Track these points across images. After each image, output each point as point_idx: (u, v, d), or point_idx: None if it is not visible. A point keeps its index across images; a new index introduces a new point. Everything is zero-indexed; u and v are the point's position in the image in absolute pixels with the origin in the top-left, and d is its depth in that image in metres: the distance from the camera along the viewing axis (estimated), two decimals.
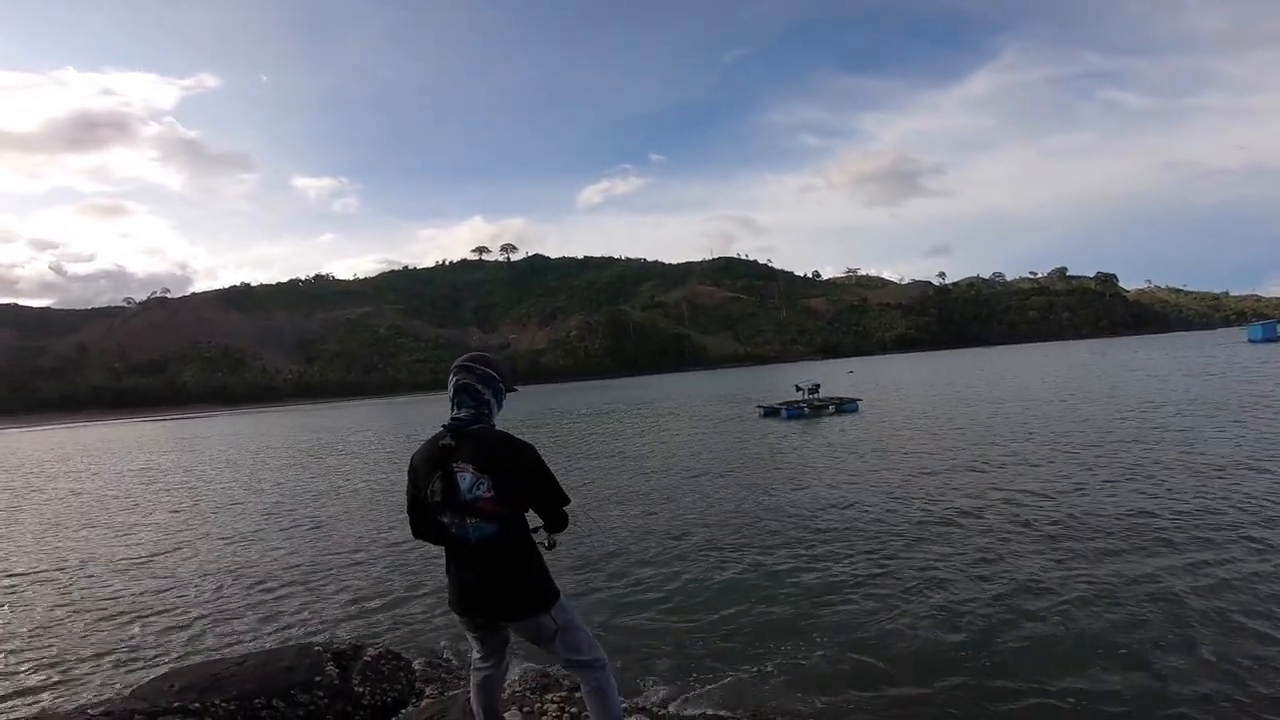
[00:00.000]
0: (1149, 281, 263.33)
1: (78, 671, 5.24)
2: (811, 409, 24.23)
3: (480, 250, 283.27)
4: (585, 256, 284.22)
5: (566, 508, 2.57)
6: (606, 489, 12.14)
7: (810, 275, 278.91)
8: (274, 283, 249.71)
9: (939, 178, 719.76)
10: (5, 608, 7.35)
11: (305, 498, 13.99)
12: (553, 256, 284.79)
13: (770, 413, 25.14)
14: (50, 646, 5.82)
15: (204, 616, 6.49)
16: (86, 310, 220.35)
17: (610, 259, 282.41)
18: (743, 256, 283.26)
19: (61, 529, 12.42)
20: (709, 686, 4.43)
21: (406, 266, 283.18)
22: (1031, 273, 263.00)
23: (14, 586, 8.28)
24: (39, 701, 4.67)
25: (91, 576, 8.53)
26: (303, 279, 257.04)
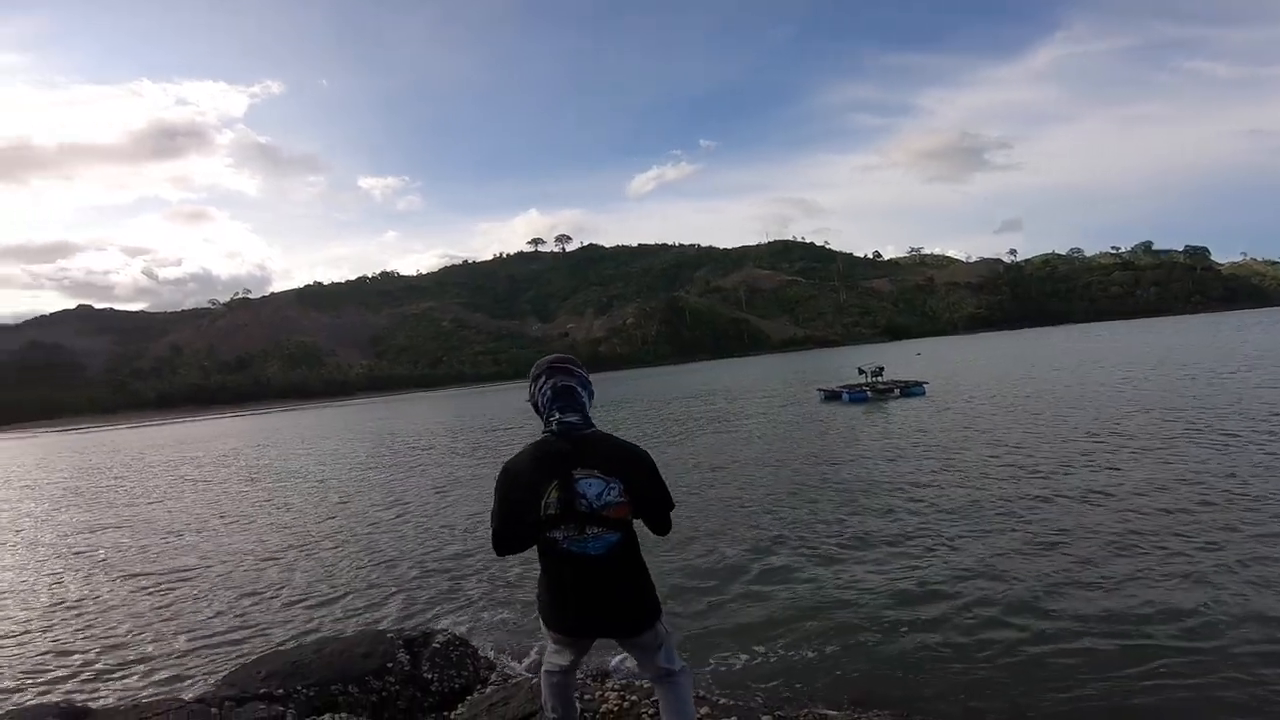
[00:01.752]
0: (1244, 254, 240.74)
1: (175, 657, 5.53)
2: (875, 392, 23.47)
3: (536, 242, 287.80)
4: (639, 244, 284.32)
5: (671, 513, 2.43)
6: (667, 477, 12.08)
7: (871, 256, 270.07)
8: (344, 280, 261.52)
9: (1005, 152, 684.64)
10: (112, 595, 7.88)
11: (382, 489, 14.58)
12: (607, 246, 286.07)
13: (831, 396, 24.53)
14: (148, 632, 6.18)
15: (290, 602, 6.79)
16: (177, 313, 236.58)
17: (664, 246, 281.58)
18: (800, 239, 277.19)
19: (168, 525, 13.29)
20: (772, 681, 4.33)
21: (466, 260, 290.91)
22: (1114, 247, 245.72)
23: (120, 575, 8.92)
24: (137, 688, 4.95)
25: (187, 564, 9.12)
26: (370, 276, 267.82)
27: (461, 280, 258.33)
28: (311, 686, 3.72)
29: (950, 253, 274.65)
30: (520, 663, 4.84)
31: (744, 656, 4.71)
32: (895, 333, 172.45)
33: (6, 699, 4.78)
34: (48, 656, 5.65)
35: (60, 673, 5.29)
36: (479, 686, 4.22)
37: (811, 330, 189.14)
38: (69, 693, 4.83)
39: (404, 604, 6.50)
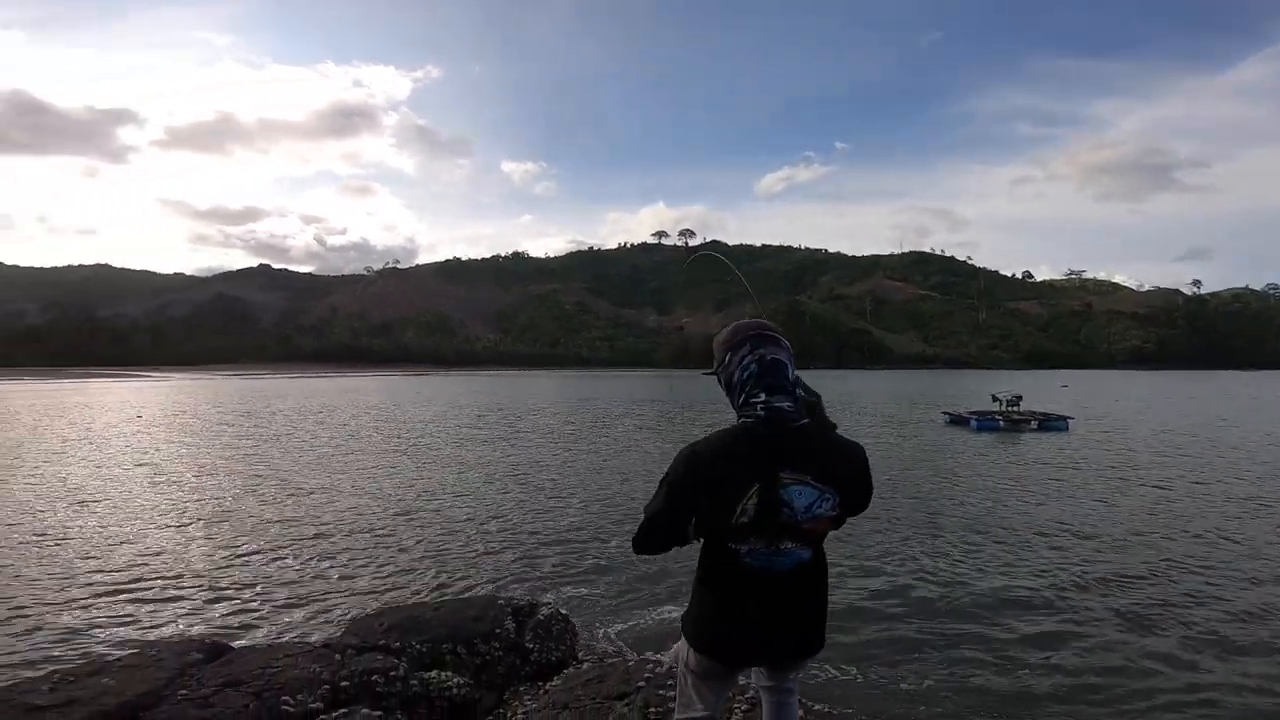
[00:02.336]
0: None
1: (308, 602, 6.01)
2: (1009, 422, 21.61)
3: (659, 234, 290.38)
4: (763, 244, 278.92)
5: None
6: None
7: (1020, 275, 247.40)
8: (480, 258, 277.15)
9: (1200, 171, 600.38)
10: (249, 542, 8.92)
11: (507, 458, 15.50)
12: (730, 244, 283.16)
13: (957, 421, 22.89)
14: (286, 576, 6.70)
15: (417, 558, 7.32)
16: (338, 277, 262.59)
17: (789, 248, 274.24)
18: (938, 252, 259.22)
19: (313, 474, 14.89)
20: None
21: (592, 247, 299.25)
22: None
23: (264, 524, 10.09)
24: (271, 629, 5.37)
25: (327, 513, 10.18)
26: (503, 255, 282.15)
27: (586, 266, 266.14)
28: (425, 643, 3.93)
29: (1117, 278, 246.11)
30: (615, 644, 4.98)
31: (843, 670, 4.60)
32: (1039, 360, 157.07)
33: (153, 631, 5.22)
34: (193, 592, 6.16)
35: (202, 609, 5.77)
36: (574, 662, 4.36)
37: (941, 349, 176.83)
38: (210, 629, 5.23)
39: (516, 572, 6.86)
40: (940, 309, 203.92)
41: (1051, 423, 21.51)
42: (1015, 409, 22.94)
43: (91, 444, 17.40)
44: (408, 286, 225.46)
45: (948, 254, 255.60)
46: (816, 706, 3.57)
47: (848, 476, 1.84)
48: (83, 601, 5.77)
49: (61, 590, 6.03)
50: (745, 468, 1.72)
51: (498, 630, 4.19)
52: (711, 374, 1.92)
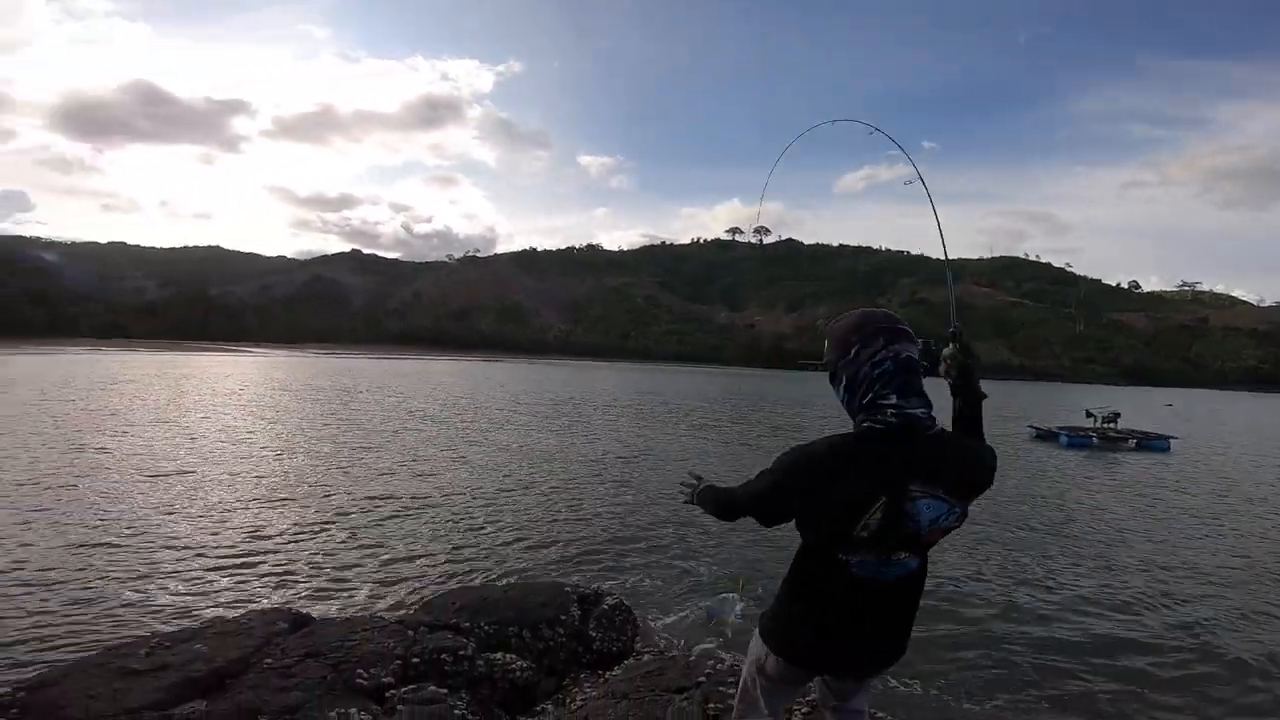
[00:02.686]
0: None
1: (388, 579, 6.23)
2: (1103, 439, 20.16)
3: (734, 231, 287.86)
4: (840, 244, 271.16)
5: None
6: None
7: (1125, 285, 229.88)
8: (555, 249, 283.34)
9: None
10: (339, 516, 9.41)
11: (583, 447, 15.79)
12: (806, 242, 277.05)
13: (1045, 436, 21.54)
14: (370, 553, 6.92)
15: (495, 542, 7.51)
16: (422, 263, 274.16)
17: (868, 249, 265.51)
18: (1032, 257, 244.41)
19: (399, 453, 15.60)
20: None
21: (665, 242, 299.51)
22: None
23: (356, 500, 10.61)
24: (351, 603, 5.59)
25: (410, 492, 10.64)
26: (577, 247, 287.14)
27: (659, 260, 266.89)
28: (493, 624, 4.05)
29: (1236, 293, 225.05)
30: (675, 637, 4.98)
31: (904, 683, 4.45)
32: (1141, 376, 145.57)
33: (245, 599, 5.48)
34: (281, 563, 6.47)
35: (288, 579, 6.06)
36: (634, 653, 4.40)
37: (1030, 360, 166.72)
38: (295, 600, 5.50)
39: (582, 558, 6.98)
40: (1031, 317, 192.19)
41: (1152, 443, 19.92)
42: (1112, 426, 21.38)
43: (200, 413, 18.92)
44: (485, 275, 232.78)
45: (1044, 260, 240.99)
46: (880, 714, 3.46)
47: (979, 485, 1.74)
48: (182, 569, 6.19)
49: (162, 557, 6.48)
50: (871, 479, 1.57)
51: (563, 617, 4.26)
52: (822, 368, 1.74)
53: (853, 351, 1.66)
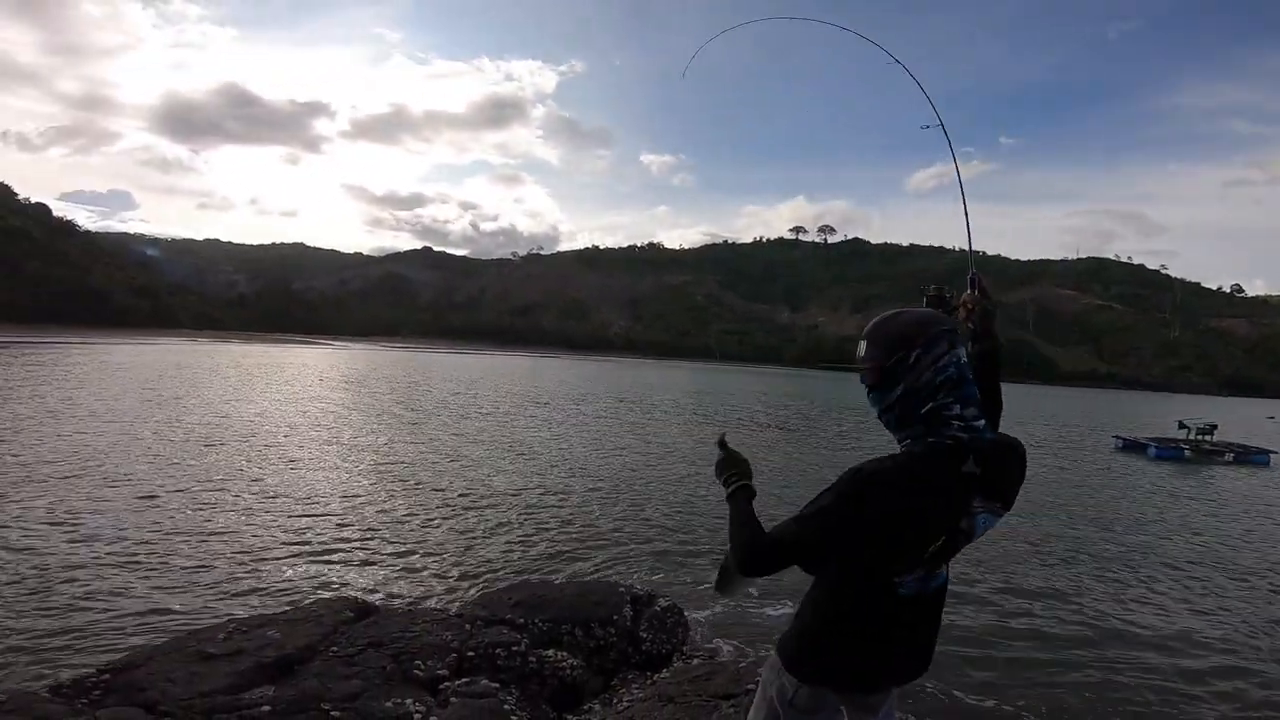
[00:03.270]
0: None
1: (451, 567, 6.49)
2: (1196, 452, 18.77)
3: (797, 230, 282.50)
4: (910, 244, 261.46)
5: None
6: None
7: (1228, 290, 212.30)
8: (617, 247, 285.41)
9: None
10: (409, 508, 9.67)
11: (644, 447, 15.90)
12: (873, 242, 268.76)
13: (1132, 447, 20.25)
14: (435, 545, 7.18)
15: (556, 537, 7.70)
16: (487, 260, 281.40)
17: (940, 249, 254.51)
18: (1122, 258, 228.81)
19: (465, 447, 16.10)
20: None
21: (727, 240, 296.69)
22: None
23: (425, 491, 10.96)
24: (414, 593, 5.78)
25: (473, 486, 10.96)
26: (638, 245, 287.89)
27: (720, 259, 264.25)
28: (547, 621, 4.12)
29: None
30: (726, 643, 4.95)
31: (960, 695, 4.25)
32: (1242, 387, 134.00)
33: (316, 593, 5.62)
34: (350, 552, 6.75)
35: (356, 568, 6.33)
36: (682, 656, 4.40)
37: (1119, 367, 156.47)
38: (361, 589, 5.69)
39: (640, 558, 7.04)
40: (1120, 322, 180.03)
41: (1252, 456, 18.37)
42: (1207, 438, 19.82)
43: (278, 405, 20.07)
44: (548, 272, 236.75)
45: (1135, 261, 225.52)
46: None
47: (1019, 484, 1.62)
48: (260, 556, 6.55)
49: (242, 545, 6.85)
50: (944, 502, 1.47)
51: (615, 617, 4.30)
52: (866, 371, 1.57)
53: (914, 355, 1.49)
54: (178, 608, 5.10)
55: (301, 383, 26.96)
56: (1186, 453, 18.85)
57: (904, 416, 1.53)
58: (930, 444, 1.49)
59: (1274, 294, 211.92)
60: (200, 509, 7.82)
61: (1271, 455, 18.56)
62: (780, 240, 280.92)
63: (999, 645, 5.34)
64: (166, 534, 6.84)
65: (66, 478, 8.73)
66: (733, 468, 1.71)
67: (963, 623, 5.69)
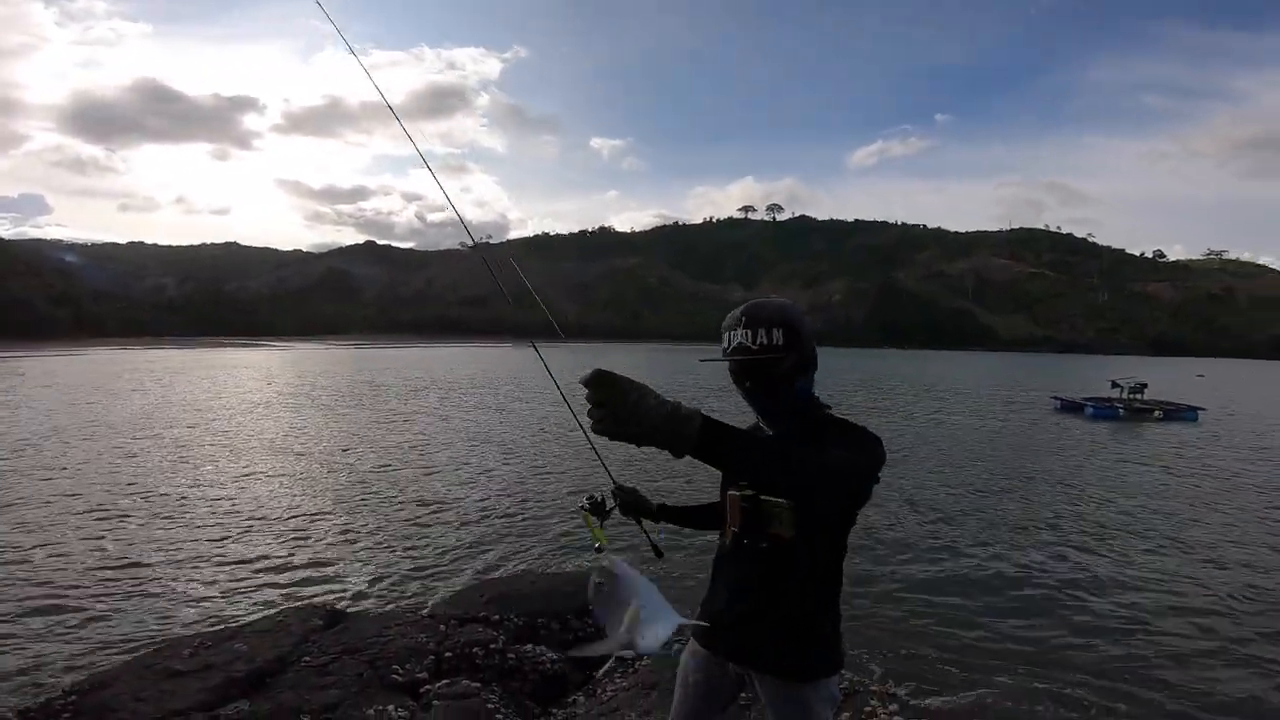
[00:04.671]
0: None
1: (420, 569, 6.31)
2: (1129, 411, 19.89)
3: (746, 209, 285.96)
4: (855, 219, 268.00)
5: None
6: None
7: (1150, 255, 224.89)
8: (566, 233, 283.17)
9: None
10: (368, 511, 9.47)
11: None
12: (820, 218, 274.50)
13: (1070, 407, 21.31)
14: (399, 547, 6.96)
15: (522, 533, 7.52)
16: (436, 252, 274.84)
17: (883, 223, 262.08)
18: (1051, 228, 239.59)
19: (421, 445, 15.70)
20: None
21: (677, 222, 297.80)
22: None
23: (382, 493, 10.71)
24: (382, 599, 5.61)
25: (431, 486, 10.72)
26: (589, 230, 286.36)
27: (670, 240, 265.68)
28: (521, 616, 4.07)
29: (1263, 260, 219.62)
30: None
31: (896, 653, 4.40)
32: (1167, 347, 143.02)
33: (282, 603, 5.37)
34: (314, 560, 6.51)
35: (322, 576, 6.11)
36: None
37: (1053, 332, 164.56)
38: (329, 596, 5.54)
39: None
40: (1052, 290, 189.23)
41: (1180, 413, 19.62)
42: (1138, 397, 21.04)
43: (225, 411, 19.20)
44: (498, 261, 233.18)
45: (1064, 231, 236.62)
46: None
47: None
48: (221, 568, 6.29)
49: (200, 557, 6.58)
50: None
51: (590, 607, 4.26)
52: (782, 359, 1.42)
53: (808, 340, 1.46)
54: (139, 627, 4.87)
55: (240, 390, 25.85)
56: (1121, 411, 20.01)
57: (806, 395, 1.50)
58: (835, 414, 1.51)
59: (1194, 259, 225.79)
60: (153, 528, 7.43)
61: (1200, 412, 19.82)
62: (730, 220, 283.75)
63: (939, 593, 5.54)
64: (121, 554, 6.47)
65: (10, 504, 8.18)
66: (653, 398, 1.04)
67: (906, 574, 5.91)
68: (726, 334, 1.47)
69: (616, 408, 1.01)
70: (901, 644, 4.70)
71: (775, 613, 1.50)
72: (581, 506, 1.78)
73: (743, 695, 2.73)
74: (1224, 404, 25.00)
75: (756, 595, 1.51)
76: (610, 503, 1.78)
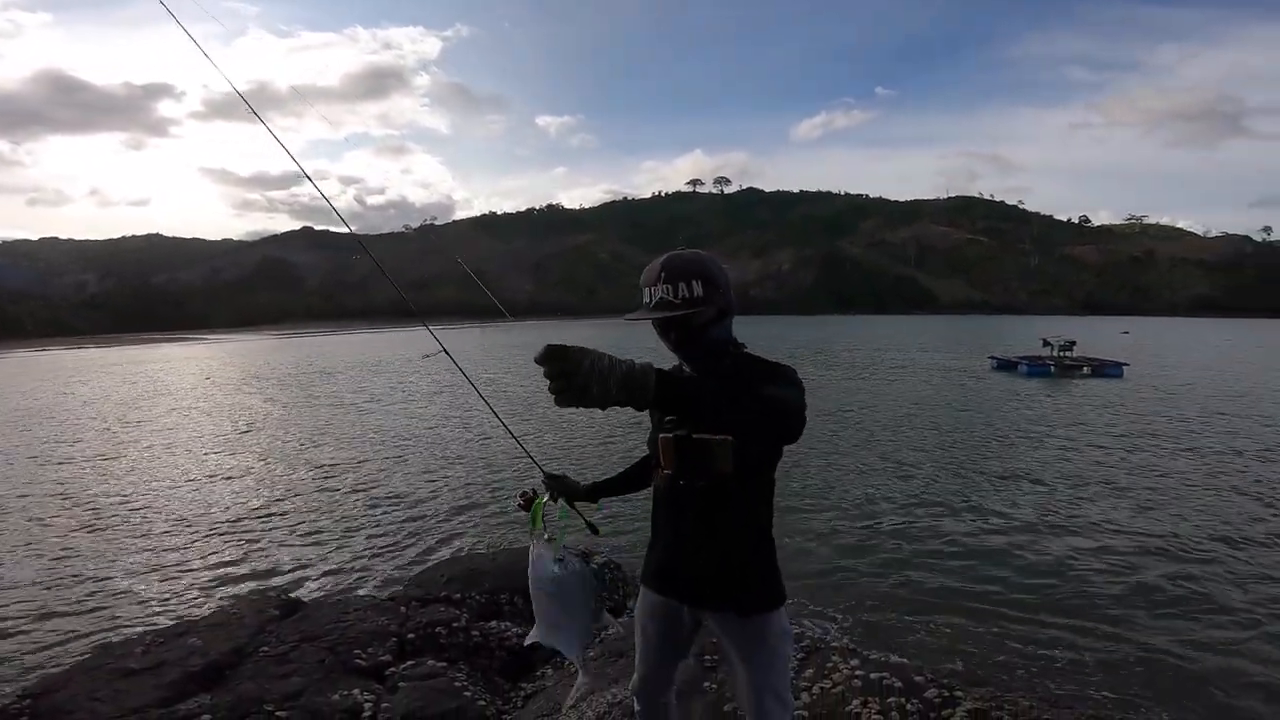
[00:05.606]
0: None
1: (376, 554, 6.28)
2: (1060, 368, 20.98)
3: (694, 182, 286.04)
4: (800, 190, 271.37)
5: None
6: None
7: (1077, 221, 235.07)
8: (515, 211, 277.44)
9: (1273, 119, 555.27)
10: (314, 501, 9.26)
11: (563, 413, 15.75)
12: (766, 190, 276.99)
13: (1005, 366, 22.32)
14: (351, 535, 6.90)
15: (481, 509, 7.56)
16: (378, 235, 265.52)
17: (828, 194, 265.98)
18: (985, 196, 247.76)
19: (367, 433, 15.35)
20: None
21: (627, 197, 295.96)
22: None
23: (326, 483, 10.44)
24: (339, 585, 5.58)
25: (382, 472, 10.53)
26: (537, 208, 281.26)
27: (621, 216, 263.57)
28: (485, 593, 4.07)
29: (1181, 224, 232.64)
30: None
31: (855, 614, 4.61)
32: (1095, 307, 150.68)
33: (233, 588, 5.46)
34: (266, 549, 6.45)
35: (275, 566, 6.04)
36: (628, 611, 4.47)
37: (990, 295, 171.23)
38: (284, 585, 5.45)
39: (568, 521, 6.98)
40: (988, 254, 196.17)
41: (1105, 369, 20.80)
42: (1068, 354, 22.18)
43: (163, 408, 18.31)
44: (445, 242, 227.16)
45: (997, 199, 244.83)
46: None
47: None
48: (167, 562, 6.14)
49: (146, 552, 6.42)
50: None
51: None
52: (698, 306, 1.45)
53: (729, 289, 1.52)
54: (86, 628, 4.73)
55: (173, 385, 24.67)
56: (1052, 369, 21.08)
57: (724, 333, 1.54)
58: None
59: (1117, 223, 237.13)
60: (92, 529, 7.13)
61: (1124, 367, 21.05)
62: (679, 194, 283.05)
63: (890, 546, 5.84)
64: (60, 558, 6.21)
65: None
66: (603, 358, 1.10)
67: (858, 531, 6.19)
68: (647, 289, 1.50)
69: (573, 378, 1.04)
70: (861, 599, 4.93)
71: (720, 549, 1.54)
72: (518, 506, 1.81)
73: (707, 657, 2.85)
74: (1147, 359, 26.60)
75: (698, 535, 1.55)
76: (543, 493, 1.82)
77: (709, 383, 1.39)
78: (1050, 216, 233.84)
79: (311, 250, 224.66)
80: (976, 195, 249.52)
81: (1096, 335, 43.58)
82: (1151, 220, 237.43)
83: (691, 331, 1.49)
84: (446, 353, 2.21)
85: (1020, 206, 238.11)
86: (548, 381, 1.05)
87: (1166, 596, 4.94)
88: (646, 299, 1.50)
